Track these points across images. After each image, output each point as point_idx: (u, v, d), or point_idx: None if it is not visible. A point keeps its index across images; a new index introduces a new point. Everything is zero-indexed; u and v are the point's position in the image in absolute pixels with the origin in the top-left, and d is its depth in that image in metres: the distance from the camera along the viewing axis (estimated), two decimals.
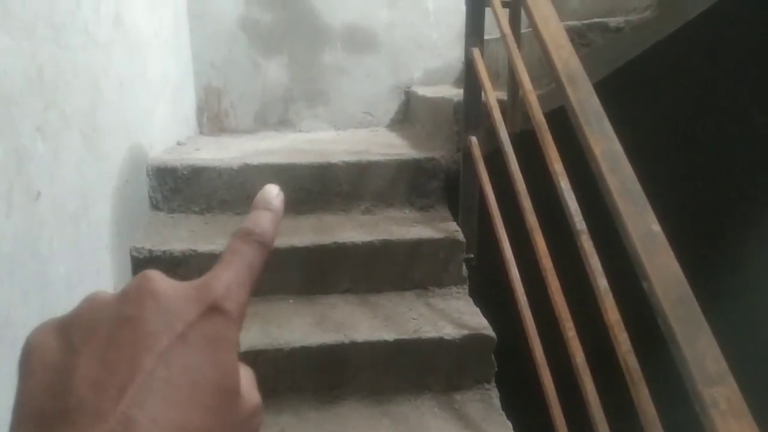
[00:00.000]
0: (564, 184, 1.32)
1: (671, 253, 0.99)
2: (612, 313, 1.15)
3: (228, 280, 0.27)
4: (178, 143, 2.56)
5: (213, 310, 0.25)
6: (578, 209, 1.28)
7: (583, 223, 1.26)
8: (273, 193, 0.31)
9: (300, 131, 3.05)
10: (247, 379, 0.28)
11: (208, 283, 0.26)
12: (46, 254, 1.29)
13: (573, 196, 1.29)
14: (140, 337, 0.24)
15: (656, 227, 1.03)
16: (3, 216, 1.12)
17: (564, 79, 1.25)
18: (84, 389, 0.23)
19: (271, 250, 0.29)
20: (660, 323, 0.91)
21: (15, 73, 1.19)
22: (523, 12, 1.76)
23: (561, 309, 1.39)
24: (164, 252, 1.89)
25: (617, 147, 1.15)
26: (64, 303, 1.37)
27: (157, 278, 0.26)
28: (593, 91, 1.23)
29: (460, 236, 2.02)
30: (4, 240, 1.12)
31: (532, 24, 1.40)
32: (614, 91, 1.78)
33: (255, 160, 2.20)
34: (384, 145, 2.54)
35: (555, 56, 1.30)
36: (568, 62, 1.28)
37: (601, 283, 1.18)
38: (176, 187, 2.14)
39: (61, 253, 1.37)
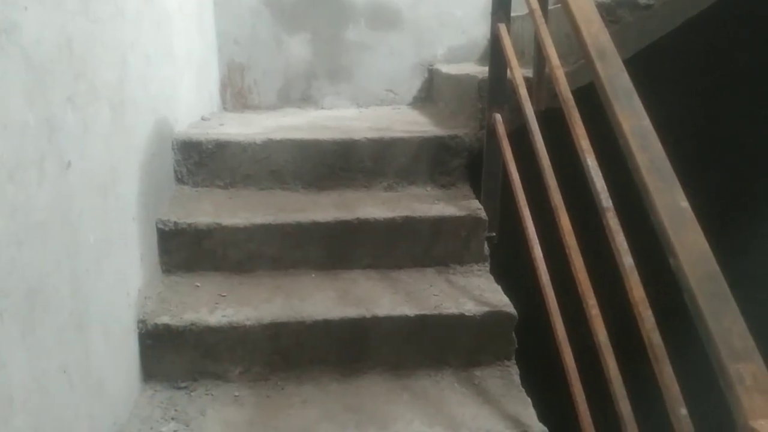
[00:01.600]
0: (591, 161, 1.31)
1: (699, 230, 0.98)
2: (637, 291, 1.14)
3: None
4: (203, 118, 2.58)
5: None
6: (605, 186, 1.27)
7: (610, 200, 1.26)
8: None
9: (322, 108, 3.05)
10: None
11: None
12: (76, 224, 1.31)
13: (600, 174, 1.28)
14: None
15: (684, 203, 1.02)
16: (35, 185, 1.14)
17: (593, 54, 1.23)
18: None
19: None
20: (686, 299, 0.91)
21: (46, 42, 1.20)
22: None
23: (584, 287, 1.39)
24: (189, 225, 1.92)
25: (647, 123, 1.13)
26: (93, 273, 1.40)
27: None
28: (623, 67, 1.21)
29: (483, 214, 2.02)
30: (37, 208, 1.14)
31: None
32: (643, 68, 1.75)
33: (278, 136, 2.21)
34: (407, 122, 2.54)
35: (584, 31, 1.28)
36: (597, 37, 1.26)
37: (627, 260, 1.18)
38: (201, 162, 2.16)
39: (91, 224, 1.39)
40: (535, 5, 1.69)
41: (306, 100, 3.06)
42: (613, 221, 1.23)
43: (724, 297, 0.89)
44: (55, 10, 1.24)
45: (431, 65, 3.05)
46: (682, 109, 2.59)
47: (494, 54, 1.98)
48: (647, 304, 1.15)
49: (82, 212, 1.34)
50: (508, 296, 1.86)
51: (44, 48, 1.19)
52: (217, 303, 1.80)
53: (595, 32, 1.28)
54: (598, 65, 1.21)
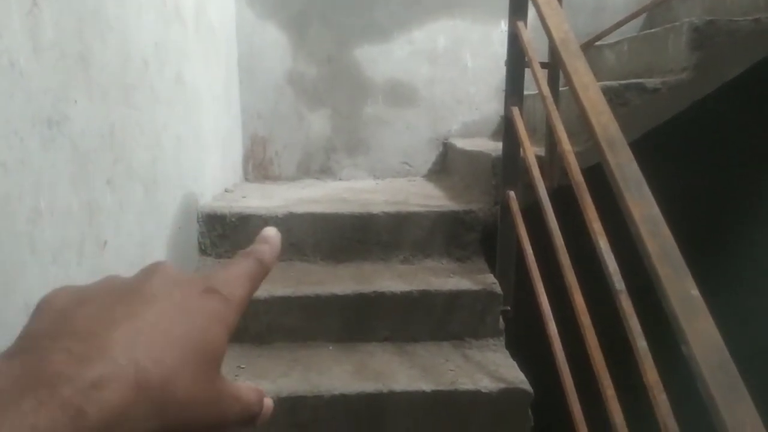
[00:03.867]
0: (603, 244, 1.35)
1: (710, 318, 1.01)
2: (651, 374, 1.16)
3: (226, 274, 0.32)
4: (226, 190, 2.67)
5: (210, 291, 0.31)
6: (617, 269, 1.31)
7: (622, 283, 1.29)
8: (271, 233, 0.37)
9: (340, 179, 3.15)
10: (248, 389, 0.33)
11: (208, 275, 0.32)
12: None
13: (612, 257, 1.33)
14: (142, 296, 0.29)
15: (695, 292, 1.05)
16: (75, 264, 1.20)
17: (604, 144, 1.30)
18: (81, 321, 0.27)
19: (268, 269, 0.35)
20: (700, 388, 0.94)
21: (91, 132, 1.29)
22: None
23: (599, 367, 1.41)
24: None
25: (656, 211, 1.18)
26: None
27: (168, 264, 0.32)
28: (632, 156, 1.28)
29: (497, 288, 2.05)
30: None
31: (572, 90, 1.46)
32: (651, 147, 1.82)
33: (299, 209, 2.28)
34: (422, 195, 2.61)
35: (594, 121, 1.35)
36: (607, 127, 1.34)
37: (641, 344, 1.20)
38: (224, 234, 2.24)
39: None
40: (546, 92, 1.78)
41: (325, 171, 3.16)
42: (626, 303, 1.26)
43: (737, 388, 0.91)
44: (100, 102, 1.34)
45: (446, 139, 3.16)
46: (691, 185, 2.65)
47: (507, 135, 2.07)
48: (662, 387, 1.17)
49: None
50: (523, 370, 1.87)
51: (89, 136, 1.28)
52: (236, 375, 1.82)
53: (605, 123, 1.35)
54: (609, 155, 1.28)
